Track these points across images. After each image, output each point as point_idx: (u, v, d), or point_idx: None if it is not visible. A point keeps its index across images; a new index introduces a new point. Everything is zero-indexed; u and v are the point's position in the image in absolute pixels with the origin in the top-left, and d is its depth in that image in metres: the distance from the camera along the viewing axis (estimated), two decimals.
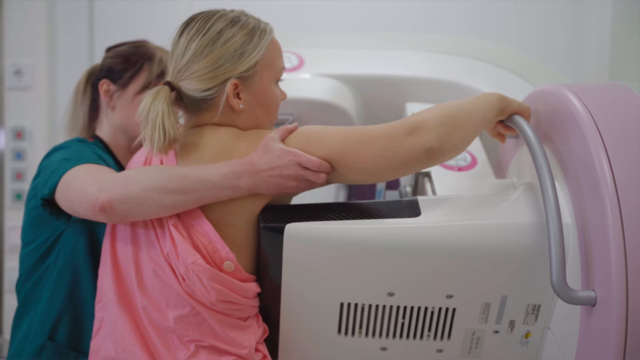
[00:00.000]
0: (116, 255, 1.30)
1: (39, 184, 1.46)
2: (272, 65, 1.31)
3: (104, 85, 1.66)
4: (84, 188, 1.29)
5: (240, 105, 1.28)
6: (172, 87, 1.27)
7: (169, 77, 1.30)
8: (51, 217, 1.44)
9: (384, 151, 1.21)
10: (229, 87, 1.26)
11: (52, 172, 1.42)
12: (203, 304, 1.23)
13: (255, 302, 1.29)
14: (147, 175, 1.24)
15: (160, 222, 1.25)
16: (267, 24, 1.32)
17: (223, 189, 1.22)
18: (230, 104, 1.27)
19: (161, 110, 1.23)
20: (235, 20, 1.28)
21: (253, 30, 1.28)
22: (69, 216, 1.43)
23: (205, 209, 1.23)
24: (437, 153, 1.22)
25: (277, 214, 1.26)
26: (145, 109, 1.24)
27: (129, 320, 1.26)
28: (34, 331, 1.49)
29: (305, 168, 1.23)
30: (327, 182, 1.27)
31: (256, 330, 1.28)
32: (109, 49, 1.73)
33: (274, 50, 1.32)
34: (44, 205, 1.42)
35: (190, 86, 1.26)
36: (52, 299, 1.49)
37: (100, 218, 1.27)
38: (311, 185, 1.26)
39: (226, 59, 1.25)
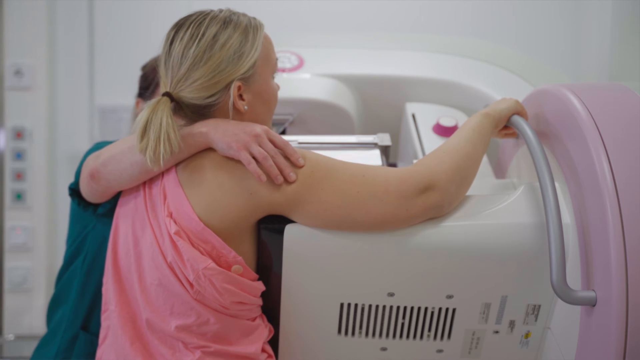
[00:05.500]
0: (118, 264, 1.30)
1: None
2: (269, 60, 1.30)
3: (138, 104, 1.86)
4: (87, 162, 1.35)
5: (245, 107, 1.26)
6: (172, 98, 1.23)
7: (167, 88, 1.25)
8: (79, 207, 1.47)
9: (395, 210, 1.21)
10: (233, 90, 1.23)
11: (80, 163, 1.50)
12: (213, 308, 1.22)
13: (261, 301, 1.29)
14: (126, 139, 1.30)
15: (160, 231, 1.23)
16: (255, 18, 1.29)
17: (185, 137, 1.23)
18: (236, 106, 1.25)
19: (165, 122, 1.19)
20: (228, 20, 1.25)
21: (247, 29, 1.26)
22: (95, 208, 1.47)
23: (204, 217, 1.21)
24: (445, 209, 1.25)
25: (277, 214, 1.25)
26: (143, 122, 1.19)
27: (130, 331, 1.25)
28: (66, 322, 1.56)
29: (274, 145, 1.21)
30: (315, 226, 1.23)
31: (263, 330, 1.28)
32: (142, 67, 1.90)
33: (268, 45, 1.30)
34: (72, 195, 1.47)
35: (193, 95, 1.23)
36: (84, 292, 1.56)
37: (92, 186, 1.33)
38: (256, 180, 1.20)
39: (227, 62, 1.22)
